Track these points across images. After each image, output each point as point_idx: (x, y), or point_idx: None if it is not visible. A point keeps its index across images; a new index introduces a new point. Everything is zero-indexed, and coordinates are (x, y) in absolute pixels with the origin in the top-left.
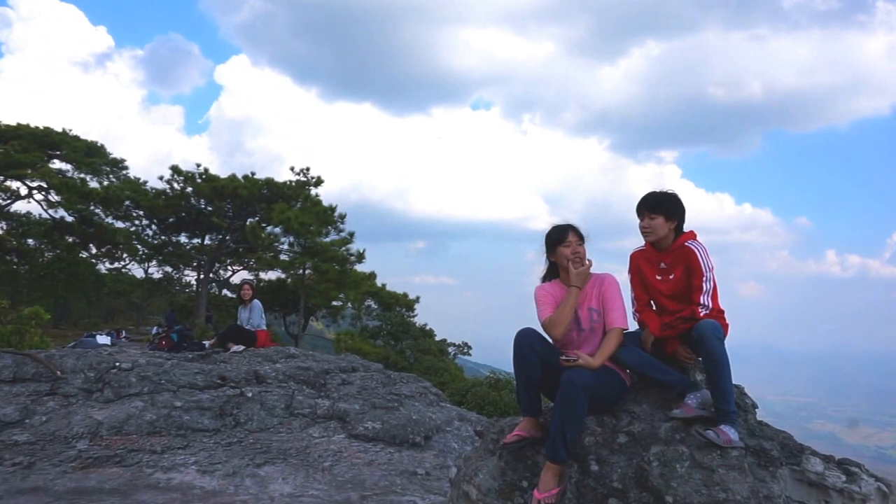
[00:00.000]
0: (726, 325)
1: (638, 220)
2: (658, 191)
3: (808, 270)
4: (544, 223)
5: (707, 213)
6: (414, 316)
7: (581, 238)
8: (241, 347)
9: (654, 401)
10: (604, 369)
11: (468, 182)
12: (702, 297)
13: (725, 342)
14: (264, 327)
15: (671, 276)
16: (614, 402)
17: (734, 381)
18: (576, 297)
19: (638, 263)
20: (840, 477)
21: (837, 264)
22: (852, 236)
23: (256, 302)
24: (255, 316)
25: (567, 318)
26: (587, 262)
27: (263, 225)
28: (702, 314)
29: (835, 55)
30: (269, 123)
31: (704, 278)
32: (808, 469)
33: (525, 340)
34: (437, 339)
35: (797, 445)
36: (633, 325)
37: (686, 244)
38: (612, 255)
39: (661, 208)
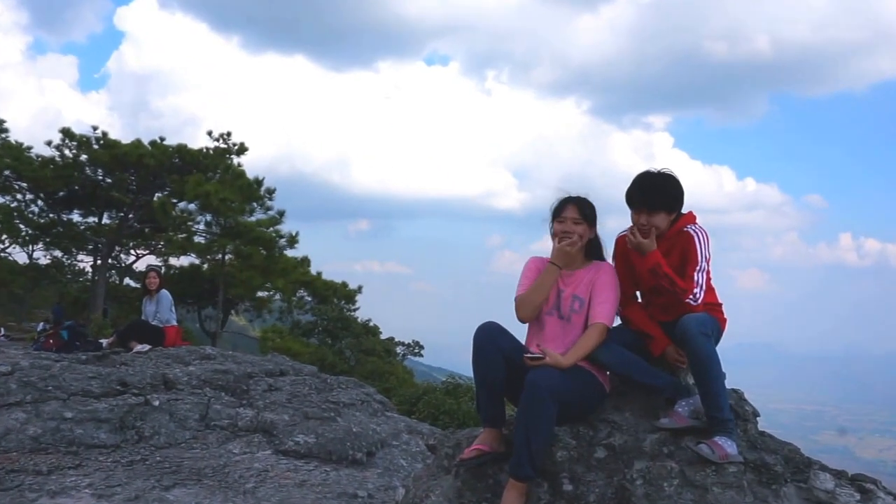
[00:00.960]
0: (724, 321)
1: (630, 210)
2: (655, 174)
3: (819, 257)
4: (512, 201)
5: (703, 189)
6: (355, 310)
7: (584, 216)
8: (147, 347)
9: (638, 408)
10: (577, 370)
11: (420, 152)
12: (694, 288)
13: (722, 340)
14: (174, 323)
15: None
16: (591, 410)
17: (732, 386)
18: (552, 277)
19: (626, 249)
20: (854, 495)
21: (853, 250)
22: (871, 217)
23: (165, 293)
24: (163, 309)
25: (538, 299)
26: (574, 240)
27: (174, 201)
28: (686, 300)
29: (854, 6)
30: (181, 78)
31: (698, 268)
32: (816, 486)
33: (487, 336)
34: (383, 337)
35: (804, 459)
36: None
37: (685, 229)
38: None
39: (662, 204)
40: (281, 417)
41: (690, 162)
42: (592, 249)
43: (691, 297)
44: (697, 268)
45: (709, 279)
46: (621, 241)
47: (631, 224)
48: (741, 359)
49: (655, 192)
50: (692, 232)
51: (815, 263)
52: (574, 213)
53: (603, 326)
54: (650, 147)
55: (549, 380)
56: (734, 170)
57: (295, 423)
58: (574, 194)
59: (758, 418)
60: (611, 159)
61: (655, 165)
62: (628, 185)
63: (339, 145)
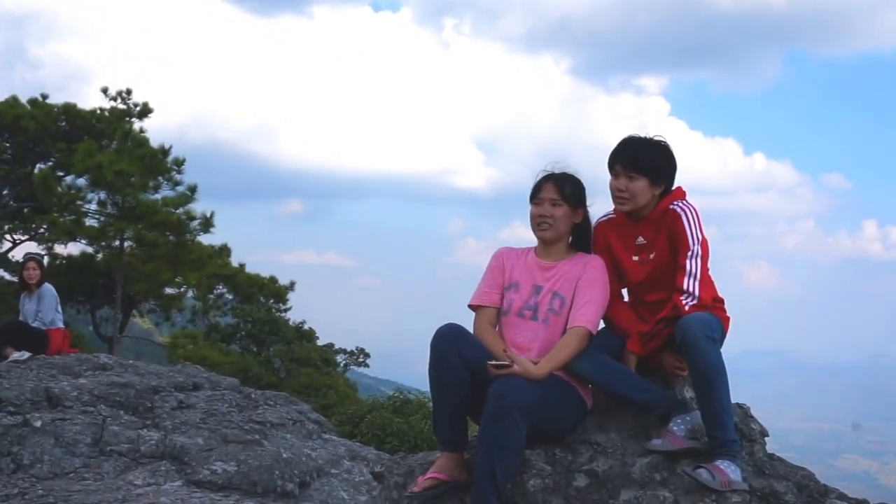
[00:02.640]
0: (727, 320)
1: (610, 178)
2: (641, 137)
3: (839, 248)
4: (478, 178)
5: (704, 166)
6: (286, 310)
7: (564, 195)
8: (26, 354)
9: (626, 427)
10: (553, 382)
11: (366, 117)
12: (685, 281)
13: (724, 345)
14: (61, 325)
15: (652, 256)
16: (569, 429)
17: (736, 400)
18: (494, 343)
19: (606, 238)
20: None
21: (878, 240)
22: None
23: (48, 288)
24: (45, 308)
25: (487, 346)
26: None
27: (60, 174)
28: (686, 306)
29: None
30: (67, 21)
31: (689, 253)
32: None
33: (448, 342)
34: (320, 343)
35: (820, 487)
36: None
37: (672, 206)
38: None
39: (645, 167)
40: (194, 441)
41: (689, 133)
42: (579, 238)
43: (686, 296)
44: (689, 252)
45: (705, 268)
46: (602, 229)
47: (610, 190)
48: (747, 368)
49: (638, 150)
50: (678, 209)
51: (834, 256)
52: (552, 192)
53: (584, 331)
54: (642, 114)
55: (518, 392)
56: (741, 143)
57: (211, 448)
58: (559, 169)
59: (766, 439)
60: (596, 129)
61: (649, 135)
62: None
63: (265, 108)
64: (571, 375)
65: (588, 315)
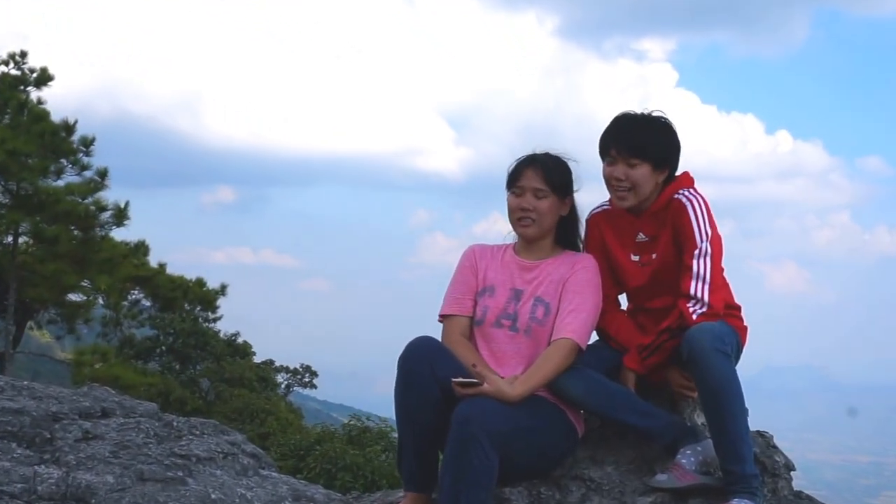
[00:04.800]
0: (743, 330)
1: (603, 164)
2: (637, 114)
3: (878, 245)
4: (448, 160)
5: (719, 147)
6: (216, 320)
7: (551, 184)
8: None
9: (625, 460)
10: (536, 404)
11: (309, 87)
12: (692, 285)
13: (742, 361)
14: None
15: (654, 255)
16: (556, 463)
17: (757, 427)
18: (467, 357)
19: (601, 234)
20: None
21: None
22: None
23: None
24: None
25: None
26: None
27: None
28: (694, 314)
29: None
30: None
31: (697, 252)
32: None
33: (419, 359)
34: (258, 360)
35: None
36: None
37: (676, 196)
38: None
39: (646, 150)
40: (103, 479)
41: (702, 107)
42: (565, 232)
43: (694, 302)
44: (697, 251)
45: (717, 269)
46: (597, 222)
47: (605, 179)
48: (769, 388)
49: (639, 132)
50: (682, 199)
51: (873, 255)
52: (536, 180)
53: (571, 344)
54: (644, 84)
55: (487, 415)
56: (762, 120)
57: (124, 488)
58: (542, 150)
59: (793, 473)
60: (587, 102)
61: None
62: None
63: (188, 76)
64: (560, 396)
65: (575, 325)
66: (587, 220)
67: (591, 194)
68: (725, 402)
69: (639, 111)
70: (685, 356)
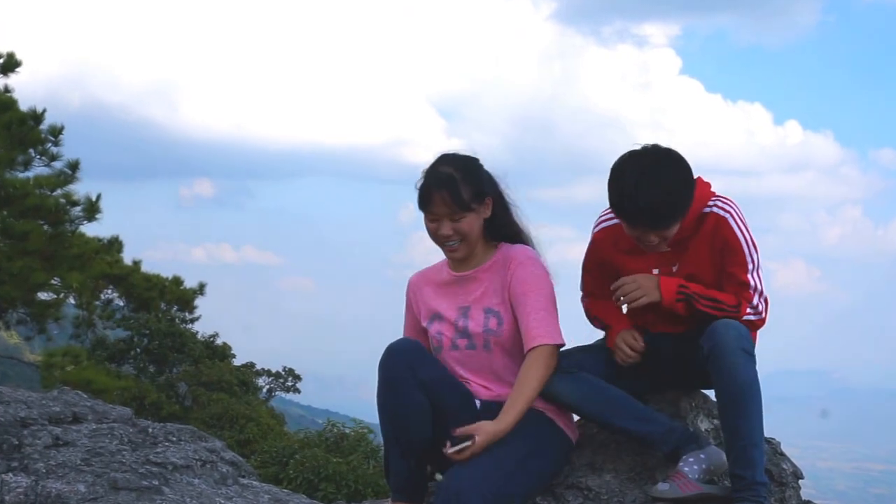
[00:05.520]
0: (755, 337)
1: (626, 224)
2: (651, 176)
3: (892, 242)
4: (439, 152)
5: (725, 138)
6: (194, 320)
7: (460, 204)
8: None
9: (624, 468)
10: (529, 422)
11: (292, 75)
12: (754, 298)
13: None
14: None
15: (675, 268)
16: (554, 476)
17: (764, 434)
18: None
19: (608, 249)
20: None
21: None
22: None
23: None
24: None
25: None
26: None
27: None
28: (746, 315)
29: None
30: None
31: (751, 268)
32: None
33: (401, 362)
34: (238, 363)
35: None
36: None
37: (709, 209)
38: (557, 211)
39: (672, 218)
40: (74, 488)
41: (706, 96)
42: (495, 226)
43: (751, 309)
44: (751, 267)
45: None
46: (601, 239)
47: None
48: (778, 394)
49: (664, 209)
50: (722, 213)
51: (887, 252)
52: (446, 205)
53: (548, 350)
54: (646, 72)
55: (479, 480)
56: (770, 109)
57: (96, 498)
58: (447, 151)
59: (802, 482)
60: (585, 90)
61: (655, 99)
62: (608, 177)
63: (164, 62)
64: (550, 401)
65: (543, 327)
66: (593, 234)
67: (589, 188)
68: (744, 404)
69: (639, 148)
70: (706, 351)
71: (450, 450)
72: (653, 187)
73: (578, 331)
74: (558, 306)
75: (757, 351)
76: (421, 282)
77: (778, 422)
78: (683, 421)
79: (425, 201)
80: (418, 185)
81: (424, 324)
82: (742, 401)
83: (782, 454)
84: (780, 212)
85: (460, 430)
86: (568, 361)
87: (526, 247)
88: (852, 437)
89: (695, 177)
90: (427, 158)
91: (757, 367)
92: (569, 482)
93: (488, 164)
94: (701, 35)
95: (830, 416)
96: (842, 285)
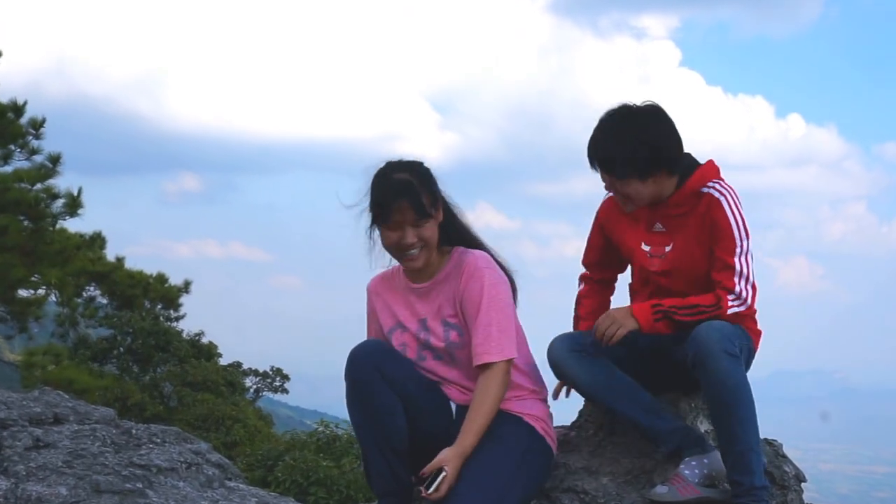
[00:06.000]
0: (758, 334)
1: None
2: (617, 113)
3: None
4: (432, 146)
5: (725, 132)
6: (179, 318)
7: (422, 211)
8: None
9: (621, 470)
10: (504, 435)
11: (282, 67)
12: (737, 282)
13: (753, 365)
14: None
15: (668, 248)
16: (543, 482)
17: (765, 435)
18: None
19: (610, 218)
20: None
21: None
22: None
23: None
24: None
25: None
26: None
27: None
28: (730, 308)
29: None
30: None
31: (739, 251)
32: None
33: (367, 365)
34: (224, 362)
35: None
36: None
37: (706, 189)
38: (554, 207)
39: (625, 166)
40: (55, 491)
41: (707, 89)
42: (447, 231)
43: (733, 298)
44: (738, 250)
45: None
46: (603, 207)
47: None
48: (779, 394)
49: (609, 149)
50: (715, 194)
51: (891, 249)
52: (411, 212)
53: (499, 367)
54: (645, 64)
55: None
56: (772, 102)
57: (78, 501)
58: (396, 159)
59: (804, 485)
60: (583, 84)
61: (654, 92)
62: None
63: (149, 53)
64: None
65: (487, 343)
66: (599, 209)
67: (587, 183)
68: (734, 408)
69: (629, 104)
70: (690, 358)
71: (427, 491)
72: (608, 137)
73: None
74: (558, 300)
75: (758, 351)
76: (381, 287)
77: (779, 423)
78: (683, 421)
79: (385, 212)
80: (370, 196)
81: (386, 332)
82: (732, 406)
83: (784, 456)
84: (782, 207)
85: (427, 469)
86: (585, 342)
87: (480, 253)
88: (855, 440)
89: (705, 162)
90: (420, 153)
91: (753, 365)
92: (564, 486)
93: (484, 159)
94: (701, 27)
95: (833, 418)
96: (845, 283)
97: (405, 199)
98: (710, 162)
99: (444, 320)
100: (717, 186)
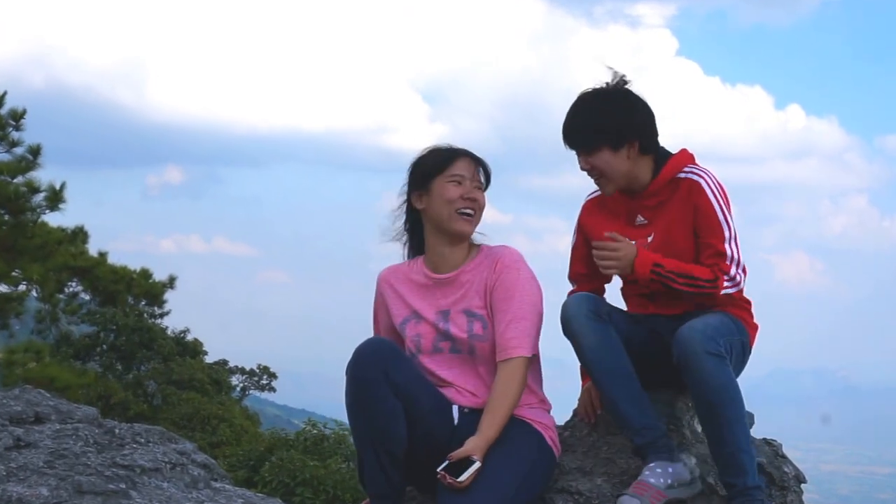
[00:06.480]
0: (753, 328)
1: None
2: (580, 97)
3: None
4: (422, 138)
5: (723, 123)
6: (163, 315)
7: (483, 177)
8: None
9: (616, 471)
10: (518, 435)
11: (267, 56)
12: (731, 268)
13: (749, 363)
14: None
15: (650, 238)
16: (540, 494)
17: (764, 435)
18: None
19: (590, 220)
20: None
21: None
22: None
23: None
24: None
25: None
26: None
27: None
28: (724, 289)
29: None
30: None
31: (728, 237)
32: None
33: (372, 365)
34: (210, 360)
35: None
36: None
37: (683, 174)
38: (547, 201)
39: (584, 138)
40: (36, 492)
41: (704, 79)
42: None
43: (728, 281)
44: (727, 236)
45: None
46: (586, 209)
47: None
48: (778, 393)
49: (575, 118)
50: (695, 178)
51: (893, 244)
52: (473, 169)
53: (521, 362)
54: (640, 53)
55: None
56: (772, 93)
57: (60, 502)
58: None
59: (804, 486)
60: (576, 74)
61: (650, 82)
62: None
63: (131, 42)
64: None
65: (520, 337)
66: (582, 207)
67: (581, 176)
68: (721, 409)
69: (600, 85)
70: (675, 358)
71: (455, 480)
72: (577, 112)
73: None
74: (551, 296)
75: (756, 348)
76: (394, 277)
77: (779, 423)
78: (679, 422)
79: (447, 163)
80: (429, 157)
81: (398, 323)
82: (719, 406)
83: (784, 457)
84: (781, 201)
85: (456, 454)
86: (603, 309)
87: (514, 249)
88: (857, 440)
89: (679, 151)
90: (409, 144)
91: (750, 363)
92: (558, 486)
93: (476, 150)
94: (698, 15)
95: (834, 418)
96: (846, 279)
97: (469, 156)
98: (683, 150)
99: (469, 311)
100: (696, 171)
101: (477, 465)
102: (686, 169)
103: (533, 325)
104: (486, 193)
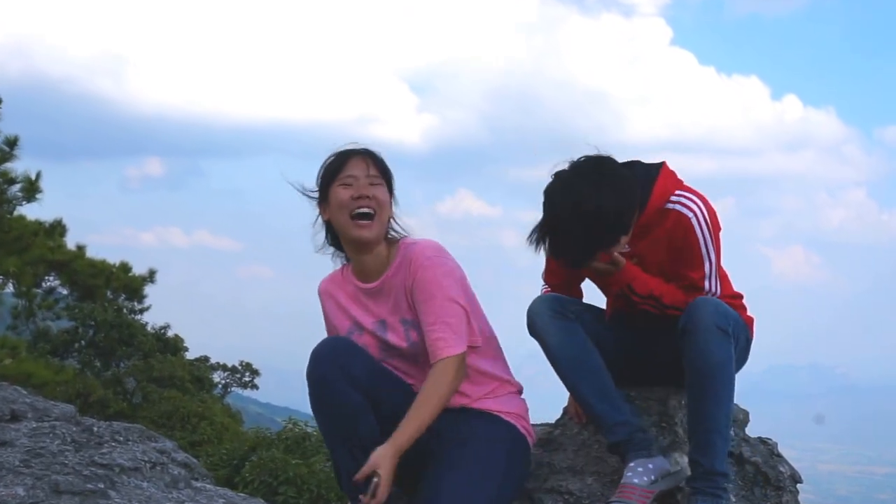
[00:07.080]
0: (750, 321)
1: None
2: (566, 207)
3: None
4: (410, 129)
5: (718, 114)
6: (143, 310)
7: (383, 172)
8: None
9: (607, 470)
10: (492, 429)
11: (251, 46)
12: (706, 282)
13: (747, 360)
14: None
15: (634, 260)
16: (518, 488)
17: (760, 434)
18: None
19: None
20: None
21: None
22: None
23: None
24: None
25: None
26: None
27: None
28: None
29: None
30: None
31: (707, 273)
32: None
33: (328, 364)
34: (190, 357)
35: None
36: None
37: (671, 205)
38: (539, 194)
39: (590, 256)
40: (12, 491)
41: (699, 69)
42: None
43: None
44: (706, 272)
45: (725, 284)
46: None
47: None
48: (773, 390)
49: (580, 248)
50: (684, 212)
51: (892, 237)
52: (365, 167)
53: (452, 361)
54: (634, 43)
55: None
56: (768, 84)
57: (37, 501)
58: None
59: (800, 486)
60: (569, 64)
61: (643, 72)
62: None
63: (112, 32)
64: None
65: (445, 338)
66: None
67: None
68: (712, 384)
69: (566, 169)
70: (681, 327)
71: (365, 499)
72: (568, 240)
73: None
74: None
75: (753, 345)
76: (333, 287)
77: (775, 421)
78: (671, 420)
79: (338, 166)
80: (326, 164)
81: (344, 333)
82: (710, 381)
83: (779, 456)
84: (778, 194)
85: (358, 476)
86: (570, 309)
87: (428, 242)
88: (855, 438)
89: (660, 161)
90: (396, 136)
91: (744, 360)
92: (547, 486)
93: (464, 143)
94: (694, 3)
95: (832, 416)
96: (844, 273)
97: (361, 155)
98: (665, 169)
99: (402, 319)
100: (683, 201)
101: (375, 480)
102: (673, 198)
103: (459, 320)
104: (474, 187)
